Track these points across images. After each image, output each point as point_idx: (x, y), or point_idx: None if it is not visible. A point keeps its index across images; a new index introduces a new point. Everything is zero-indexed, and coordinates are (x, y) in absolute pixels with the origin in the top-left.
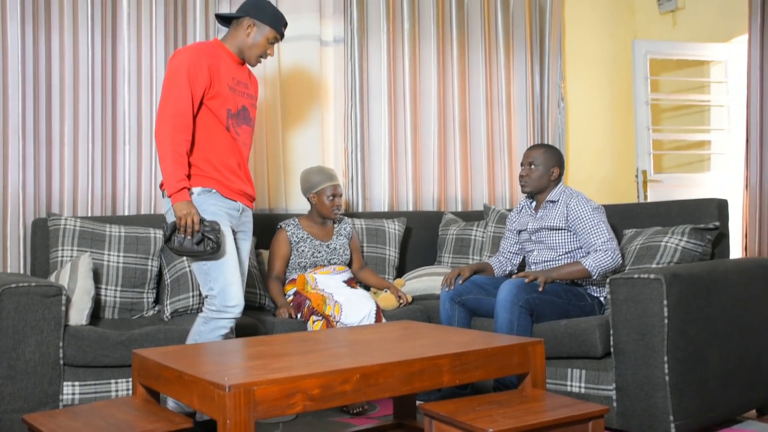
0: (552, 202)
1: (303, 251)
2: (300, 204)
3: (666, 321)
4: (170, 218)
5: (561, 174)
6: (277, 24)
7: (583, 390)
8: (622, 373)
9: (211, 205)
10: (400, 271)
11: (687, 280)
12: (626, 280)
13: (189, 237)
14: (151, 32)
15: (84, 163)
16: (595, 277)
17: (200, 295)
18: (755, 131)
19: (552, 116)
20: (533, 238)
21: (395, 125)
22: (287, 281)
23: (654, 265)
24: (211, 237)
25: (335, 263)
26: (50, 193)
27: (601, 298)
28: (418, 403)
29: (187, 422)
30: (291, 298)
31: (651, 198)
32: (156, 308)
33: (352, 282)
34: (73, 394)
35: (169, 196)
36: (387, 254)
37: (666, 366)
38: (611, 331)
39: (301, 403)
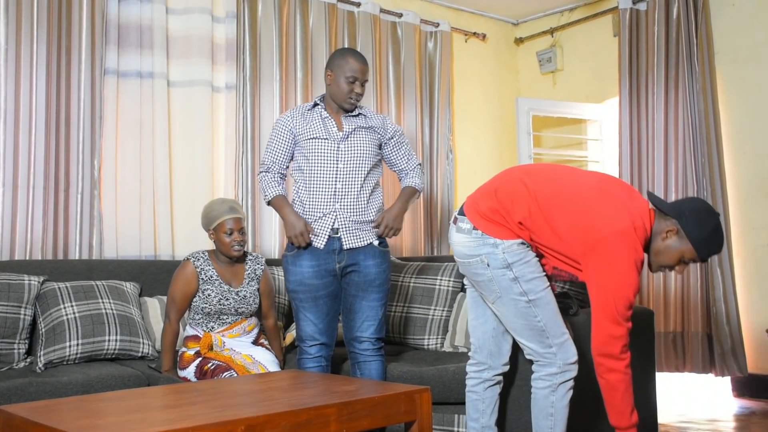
0: (364, 116)
1: (209, 295)
2: (187, 251)
3: None
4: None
5: None
6: None
7: None
8: (508, 418)
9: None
10: (290, 319)
11: None
12: None
13: None
14: (32, 70)
15: None
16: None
17: (79, 344)
18: None
19: (441, 167)
20: (342, 146)
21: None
22: (189, 336)
23: None
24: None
25: (243, 313)
26: None
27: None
28: None
29: None
30: (192, 354)
31: None
32: (28, 359)
33: (259, 340)
34: None
35: None
36: (277, 301)
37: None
38: None
39: None
